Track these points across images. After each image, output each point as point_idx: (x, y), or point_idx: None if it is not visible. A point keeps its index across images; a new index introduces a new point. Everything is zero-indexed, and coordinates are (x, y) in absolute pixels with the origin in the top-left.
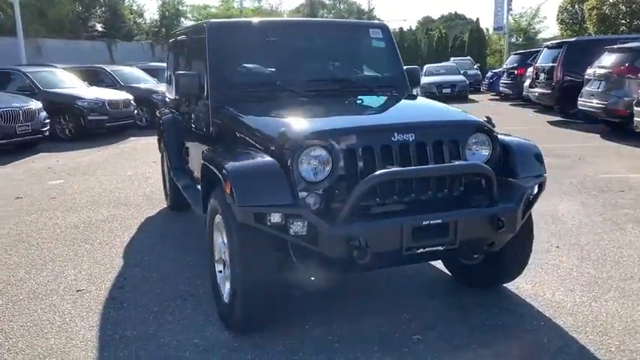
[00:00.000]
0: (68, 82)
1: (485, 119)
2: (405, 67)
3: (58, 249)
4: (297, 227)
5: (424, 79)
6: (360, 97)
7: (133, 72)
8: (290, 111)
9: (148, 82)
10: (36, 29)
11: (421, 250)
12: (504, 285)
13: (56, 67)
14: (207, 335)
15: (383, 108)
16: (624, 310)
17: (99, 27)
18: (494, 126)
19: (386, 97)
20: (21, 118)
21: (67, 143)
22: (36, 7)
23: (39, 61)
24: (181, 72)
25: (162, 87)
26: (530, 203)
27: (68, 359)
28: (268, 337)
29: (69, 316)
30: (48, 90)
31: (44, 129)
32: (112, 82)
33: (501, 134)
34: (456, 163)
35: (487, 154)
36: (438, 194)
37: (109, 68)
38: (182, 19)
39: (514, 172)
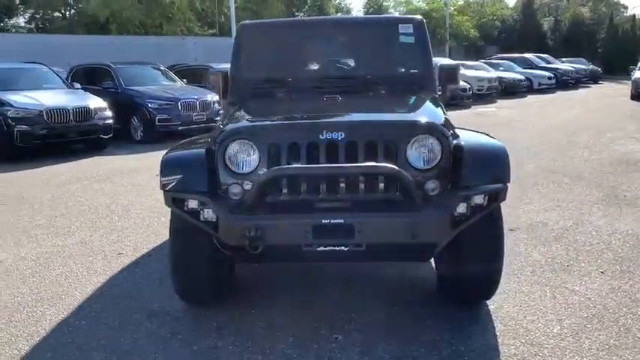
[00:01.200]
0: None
1: (444, 120)
2: (442, 64)
3: None
4: (208, 214)
5: None
6: (355, 94)
7: None
8: (264, 107)
9: None
10: None
11: (322, 248)
12: None
13: None
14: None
15: (349, 105)
16: None
17: None
18: (449, 128)
19: (381, 95)
20: (198, 108)
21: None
22: (251, 9)
23: None
24: (213, 70)
25: None
26: (473, 214)
27: None
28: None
29: None
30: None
31: (217, 118)
32: None
33: (469, 136)
34: (364, 164)
35: (433, 157)
36: (353, 194)
37: None
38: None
39: (460, 179)
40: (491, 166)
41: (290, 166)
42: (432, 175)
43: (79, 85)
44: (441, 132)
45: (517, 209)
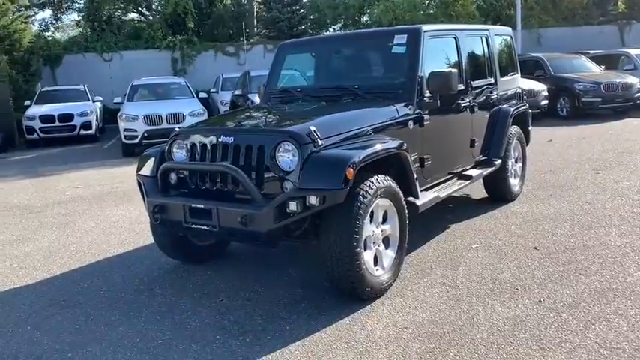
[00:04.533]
0: (580, 68)
1: (313, 131)
2: (432, 71)
3: None
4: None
5: None
6: (333, 102)
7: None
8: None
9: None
10: (541, 20)
11: (195, 226)
12: None
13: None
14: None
15: (309, 113)
16: None
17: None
18: (314, 138)
19: (346, 104)
20: (619, 89)
21: (561, 120)
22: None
23: (537, 50)
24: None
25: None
26: (306, 210)
27: None
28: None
29: None
30: (557, 74)
31: (543, 104)
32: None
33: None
34: (211, 164)
35: (294, 161)
36: (216, 185)
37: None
38: None
39: (297, 180)
40: (325, 172)
41: (173, 162)
42: (291, 177)
43: None
44: (300, 141)
45: None
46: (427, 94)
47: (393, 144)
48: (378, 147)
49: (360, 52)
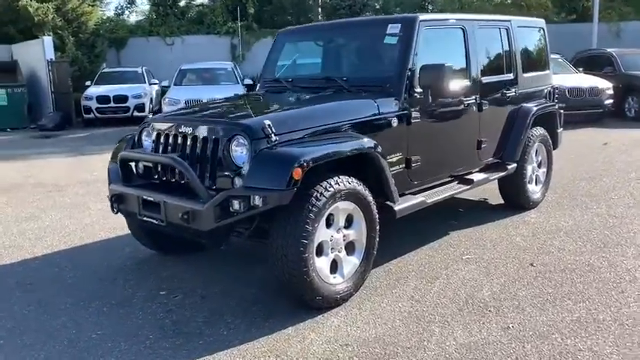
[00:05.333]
0: None
1: (267, 125)
2: (424, 64)
3: None
4: None
5: None
6: (308, 94)
7: None
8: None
9: None
10: (622, 12)
11: (147, 218)
12: None
13: None
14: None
15: (267, 104)
16: None
17: None
18: (268, 132)
19: (329, 96)
20: (586, 94)
21: (628, 121)
22: None
23: (615, 44)
24: None
25: None
26: (250, 210)
27: None
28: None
29: None
30: (627, 72)
31: (607, 103)
32: None
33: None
34: (157, 155)
35: (246, 156)
36: (174, 179)
37: None
38: None
39: (247, 179)
40: (269, 172)
41: (130, 151)
42: (241, 173)
43: None
44: (251, 135)
45: None
46: (417, 89)
47: (361, 143)
48: (341, 146)
49: (354, 41)
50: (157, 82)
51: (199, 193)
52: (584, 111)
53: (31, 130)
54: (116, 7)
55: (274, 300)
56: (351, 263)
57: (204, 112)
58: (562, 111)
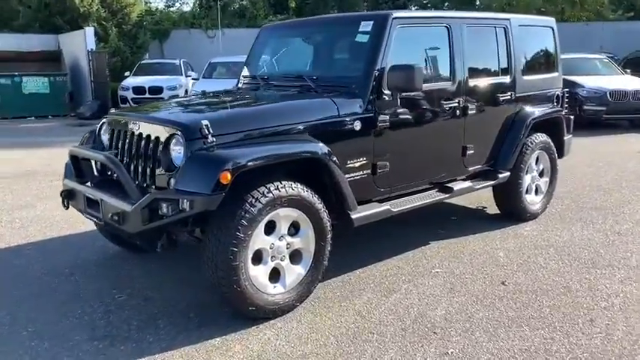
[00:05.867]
0: None
1: (204, 125)
2: (392, 66)
3: None
4: None
5: None
6: (274, 93)
7: None
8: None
9: None
10: None
11: (89, 216)
12: None
13: None
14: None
15: (223, 103)
16: None
17: None
18: (204, 133)
19: (293, 96)
20: (629, 98)
21: None
22: None
23: None
24: None
25: None
26: (179, 214)
27: None
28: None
29: None
30: None
31: None
32: None
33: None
34: (100, 152)
35: (182, 156)
36: (108, 175)
37: None
38: None
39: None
40: (199, 177)
41: (75, 147)
42: (176, 174)
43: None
44: (186, 135)
45: None
46: (386, 91)
47: (306, 147)
48: (282, 149)
49: (329, 39)
50: (193, 74)
51: (131, 194)
52: (627, 115)
53: (70, 118)
54: None
55: (219, 307)
56: (295, 273)
57: (153, 110)
58: (571, 117)
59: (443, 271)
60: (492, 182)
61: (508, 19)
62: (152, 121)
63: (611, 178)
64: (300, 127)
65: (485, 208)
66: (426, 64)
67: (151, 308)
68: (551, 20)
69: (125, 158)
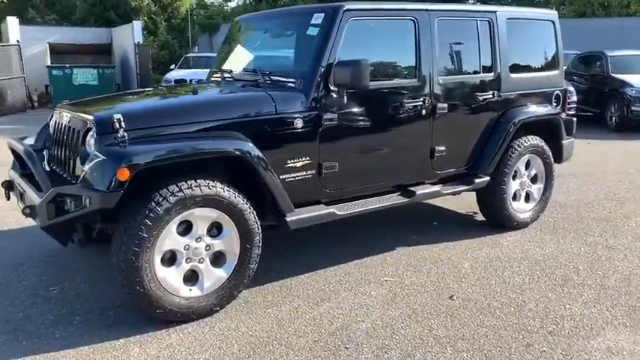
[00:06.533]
0: None
1: (116, 119)
2: (339, 61)
3: None
4: None
5: None
6: (227, 87)
7: None
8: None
9: None
10: None
11: (22, 207)
12: None
13: None
14: None
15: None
16: None
17: None
18: (116, 127)
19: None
20: None
21: None
22: None
23: None
24: None
25: None
26: (81, 209)
27: None
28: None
29: None
30: None
31: None
32: None
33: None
34: (22, 143)
35: (93, 150)
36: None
37: None
38: None
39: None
40: (99, 173)
41: (12, 138)
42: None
43: None
44: (98, 129)
45: None
46: (334, 88)
47: (223, 144)
48: (198, 146)
49: (285, 31)
50: None
51: (44, 188)
52: None
53: None
54: None
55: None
56: (215, 276)
57: (85, 104)
58: (574, 119)
59: (393, 280)
60: (467, 187)
61: (494, 12)
62: (76, 114)
63: (632, 187)
64: (230, 123)
65: (476, 214)
66: (383, 60)
67: (75, 303)
68: (551, 13)
69: (56, 151)
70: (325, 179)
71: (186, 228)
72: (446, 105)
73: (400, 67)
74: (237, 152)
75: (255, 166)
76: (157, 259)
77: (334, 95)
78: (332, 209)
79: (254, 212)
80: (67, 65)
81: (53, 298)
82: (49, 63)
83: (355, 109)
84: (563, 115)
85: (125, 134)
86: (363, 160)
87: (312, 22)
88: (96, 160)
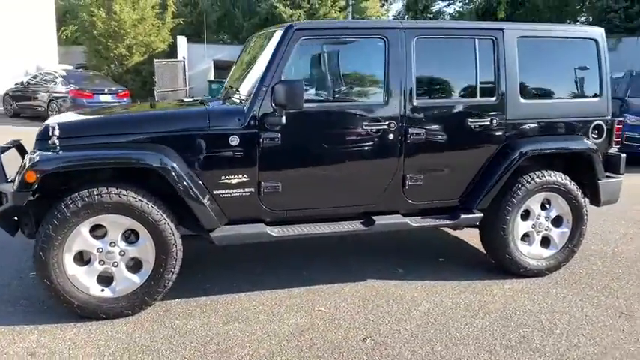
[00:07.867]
0: None
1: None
2: (278, 81)
3: None
4: None
5: None
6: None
7: None
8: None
9: None
10: None
11: None
12: None
13: None
14: None
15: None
16: None
17: None
18: (50, 135)
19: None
20: None
21: None
22: None
23: None
24: None
25: None
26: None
27: None
28: None
29: None
30: None
31: None
32: None
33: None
34: None
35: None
36: None
37: None
38: None
39: None
40: (20, 173)
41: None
42: None
43: None
44: (39, 135)
45: None
46: (274, 107)
47: (134, 155)
48: (102, 156)
49: (261, 49)
50: None
51: None
52: None
53: None
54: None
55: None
56: (129, 281)
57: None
58: (622, 154)
59: (327, 311)
60: (447, 222)
61: (500, 30)
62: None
63: None
64: (159, 136)
65: None
66: (340, 80)
67: (25, 291)
68: (594, 31)
69: None
70: (266, 199)
71: (104, 232)
72: (423, 130)
73: (362, 89)
74: (142, 163)
75: (169, 179)
76: (68, 257)
77: (277, 115)
78: (265, 229)
79: (171, 224)
80: (225, 80)
81: (14, 286)
82: (211, 78)
83: (301, 131)
84: (612, 150)
85: (57, 142)
86: (311, 183)
87: (273, 39)
88: (25, 163)
